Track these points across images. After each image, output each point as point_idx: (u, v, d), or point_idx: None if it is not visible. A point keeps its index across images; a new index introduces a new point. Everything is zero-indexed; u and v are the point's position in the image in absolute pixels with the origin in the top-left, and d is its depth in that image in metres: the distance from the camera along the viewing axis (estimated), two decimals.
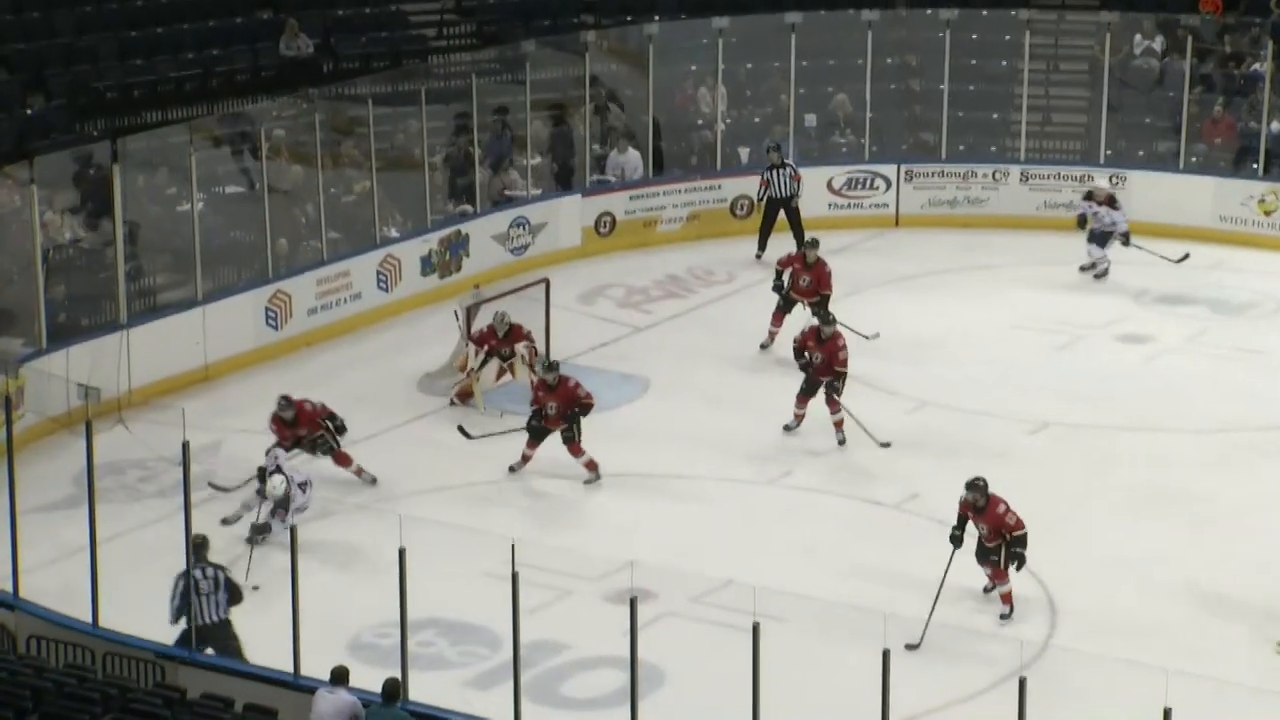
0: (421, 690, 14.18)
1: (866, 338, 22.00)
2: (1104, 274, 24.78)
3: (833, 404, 19.96)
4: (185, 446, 14.70)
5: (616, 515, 18.73)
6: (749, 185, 26.81)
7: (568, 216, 26.09)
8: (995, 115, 27.95)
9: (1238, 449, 19.93)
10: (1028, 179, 27.17)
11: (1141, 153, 27.48)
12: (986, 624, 16.36)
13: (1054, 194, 27.10)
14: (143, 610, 15.39)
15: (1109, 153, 27.22)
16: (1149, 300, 24.37)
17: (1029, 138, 27.55)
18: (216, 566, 15.24)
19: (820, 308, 21.49)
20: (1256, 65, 27.28)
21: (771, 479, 19.42)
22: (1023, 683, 12.10)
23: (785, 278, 22.31)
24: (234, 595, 15.23)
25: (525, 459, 19.43)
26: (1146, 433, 20.29)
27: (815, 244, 22.51)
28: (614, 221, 26.51)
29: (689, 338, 23.34)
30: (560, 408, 19.17)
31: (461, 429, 19.98)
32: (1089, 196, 24.99)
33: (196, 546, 15.04)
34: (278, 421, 18.80)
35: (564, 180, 26.59)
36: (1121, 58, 27.93)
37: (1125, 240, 24.59)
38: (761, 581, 16.73)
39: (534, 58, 26.00)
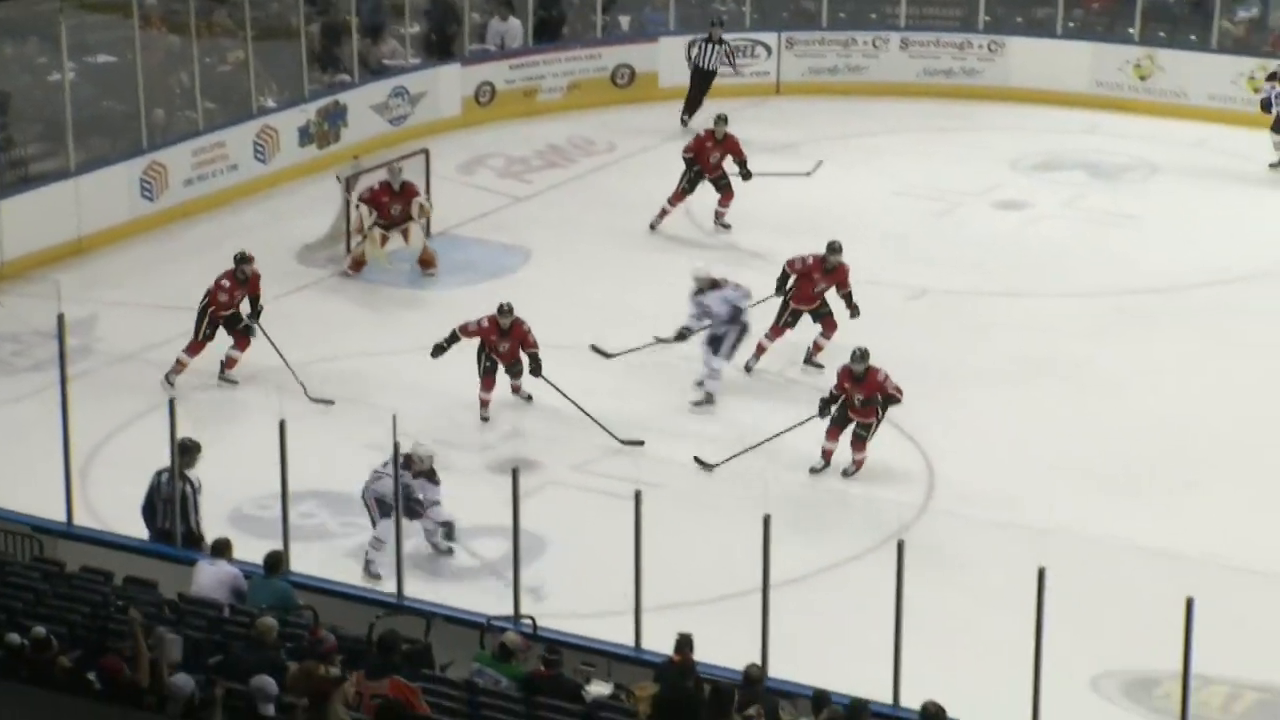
0: (304, 562, 14.14)
1: (807, 174, 21.87)
2: None
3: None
4: (60, 319, 14.50)
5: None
6: (629, 54, 26.70)
7: (447, 86, 25.83)
8: None
9: (1113, 314, 20.11)
10: (907, 46, 27.15)
11: (1020, 19, 27.50)
12: (865, 491, 16.45)
13: (933, 61, 27.11)
14: (18, 484, 15.22)
15: (987, 19, 27.22)
16: (1025, 167, 24.48)
17: (909, 4, 27.48)
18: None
19: (724, 181, 21.56)
20: None
21: (652, 347, 19.38)
22: (901, 545, 12.20)
23: (693, 157, 21.90)
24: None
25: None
26: (1024, 298, 20.44)
27: (725, 119, 22.24)
28: (494, 91, 26.28)
29: (570, 208, 23.24)
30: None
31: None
32: (1273, 78, 24.07)
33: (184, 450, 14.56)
34: None
35: (443, 49, 26.29)
36: None
37: None
38: (645, 451, 16.92)
39: None
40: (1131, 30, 26.65)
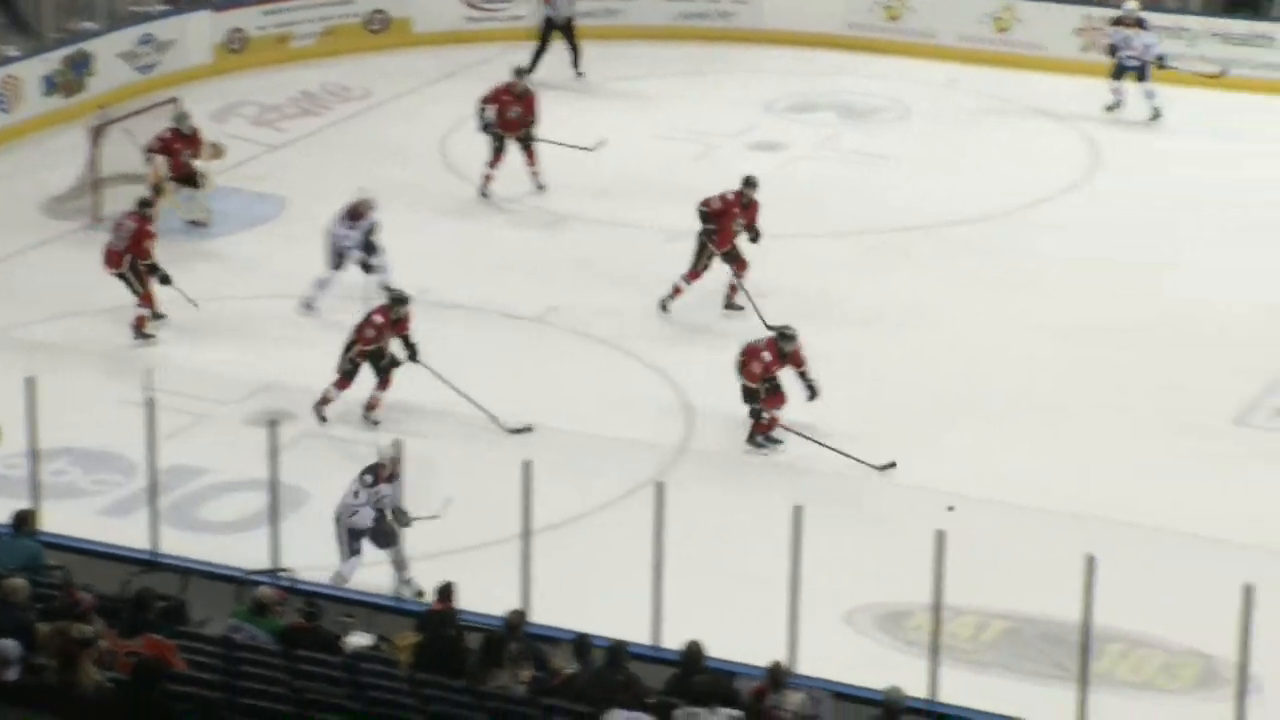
0: (55, 520, 13.90)
1: (589, 149, 21.82)
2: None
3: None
4: None
5: (258, 337, 18.46)
6: (383, 0, 26.45)
7: (197, 34, 25.39)
8: None
9: (872, 251, 20.40)
10: None
11: None
12: (625, 435, 16.50)
13: (688, 4, 27.18)
14: None
15: None
16: (780, 109, 24.67)
17: None
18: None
19: (527, 140, 21.30)
20: None
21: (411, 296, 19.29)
22: (660, 487, 12.29)
23: (491, 113, 21.41)
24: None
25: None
26: (783, 239, 20.56)
27: (523, 72, 21.96)
28: (246, 38, 25.88)
29: (325, 155, 23.00)
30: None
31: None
32: (1118, 22, 24.08)
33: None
34: None
35: None
36: None
37: (1159, 63, 23.75)
38: (404, 399, 16.83)
39: None
40: None
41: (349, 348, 16.61)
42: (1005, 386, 17.50)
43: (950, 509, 14.89)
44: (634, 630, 12.25)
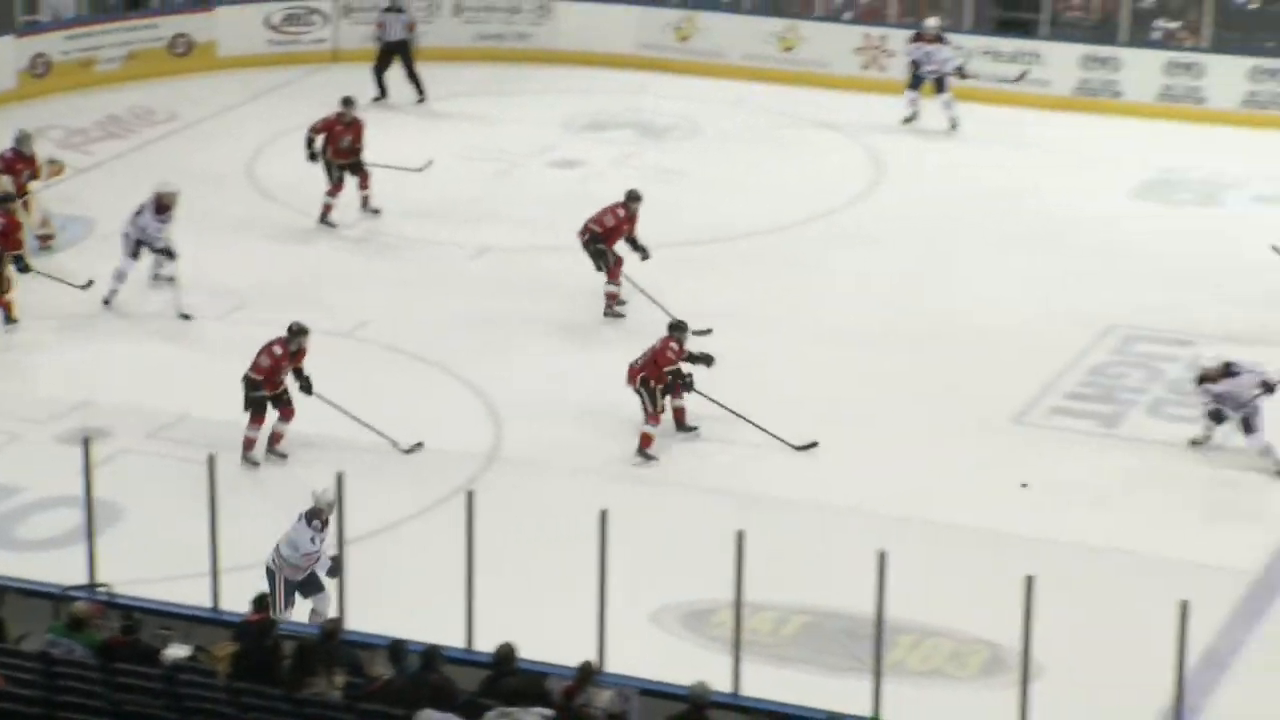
0: None
1: (419, 170, 21.70)
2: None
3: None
4: None
5: (69, 357, 18.20)
6: (186, 24, 26.21)
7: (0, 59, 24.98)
8: None
9: (666, 264, 20.48)
10: (460, 11, 27.18)
11: None
12: (435, 445, 16.48)
13: (485, 26, 27.21)
14: None
15: None
16: (577, 127, 24.75)
17: None
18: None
19: (358, 166, 21.17)
20: None
21: (220, 314, 19.14)
22: (470, 495, 12.30)
23: (320, 143, 21.10)
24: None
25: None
26: (583, 253, 20.66)
27: (352, 101, 21.58)
28: (50, 63, 25.47)
29: (132, 177, 22.65)
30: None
31: None
32: (917, 39, 24.34)
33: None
34: None
35: None
36: None
37: (960, 74, 24.17)
38: (216, 416, 16.67)
39: None
40: None
41: (252, 385, 16.16)
42: (801, 391, 17.68)
43: (1024, 485, 15.88)
44: (448, 635, 12.23)
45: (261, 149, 23.35)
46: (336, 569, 13.11)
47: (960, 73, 24.19)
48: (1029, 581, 11.18)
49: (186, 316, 18.88)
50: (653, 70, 26.49)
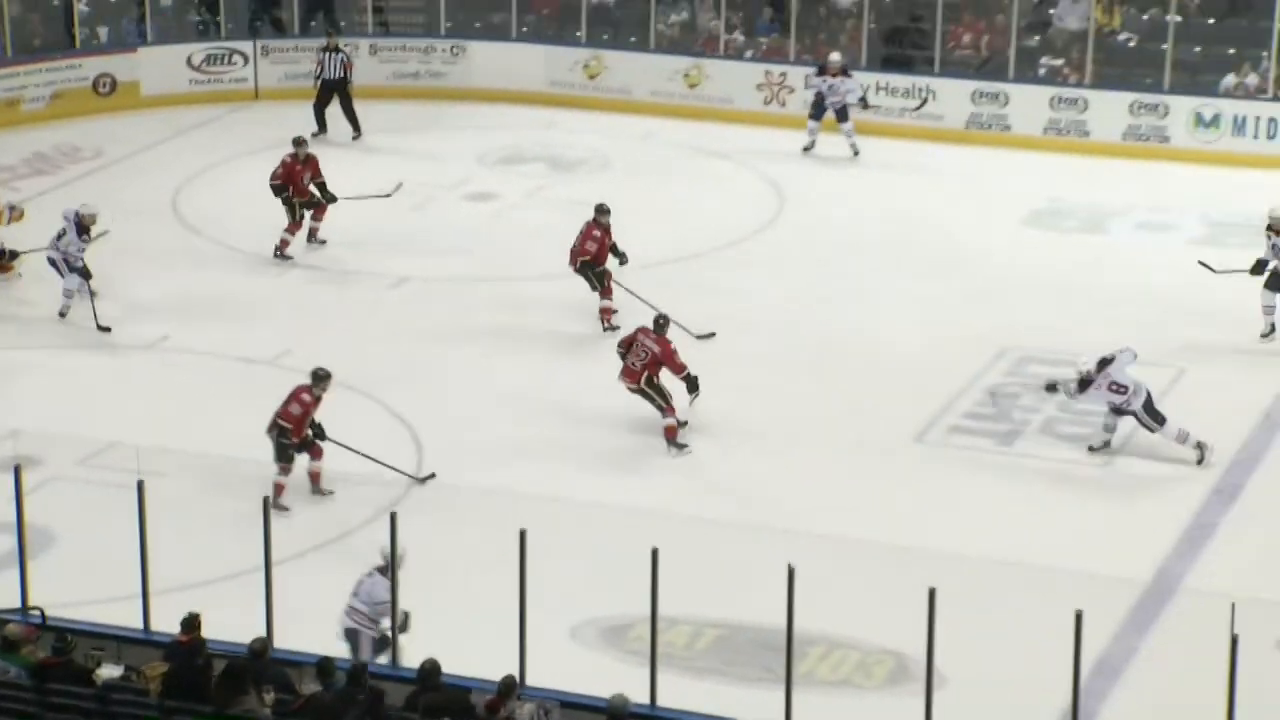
0: None
1: (388, 195, 21.66)
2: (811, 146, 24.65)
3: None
4: None
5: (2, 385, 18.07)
6: (110, 64, 26.07)
7: None
8: None
9: (579, 289, 20.55)
10: (376, 51, 27.14)
11: (478, 24, 27.76)
12: (361, 470, 16.41)
13: (401, 65, 27.18)
14: None
15: (449, 24, 27.42)
16: (491, 161, 24.75)
17: (374, 12, 27.54)
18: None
19: (311, 202, 21.13)
20: None
21: (147, 344, 19.02)
22: (393, 517, 12.26)
23: (282, 183, 21.13)
24: None
25: None
26: (500, 282, 20.68)
27: (304, 141, 21.51)
28: None
29: (59, 213, 22.42)
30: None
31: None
32: (821, 71, 24.51)
33: None
34: None
35: None
36: None
37: (863, 104, 24.48)
38: (145, 441, 16.52)
39: None
40: (579, 34, 27.20)
41: (282, 432, 15.87)
42: (710, 412, 17.71)
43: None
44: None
45: (186, 183, 23.21)
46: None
47: (863, 103, 24.41)
48: (931, 593, 11.24)
49: (106, 329, 18.80)
50: (564, 106, 26.53)
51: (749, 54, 26.87)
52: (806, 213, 23.03)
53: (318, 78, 25.28)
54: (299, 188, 21.20)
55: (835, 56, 24.81)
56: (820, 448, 17.14)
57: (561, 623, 13.92)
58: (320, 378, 16.14)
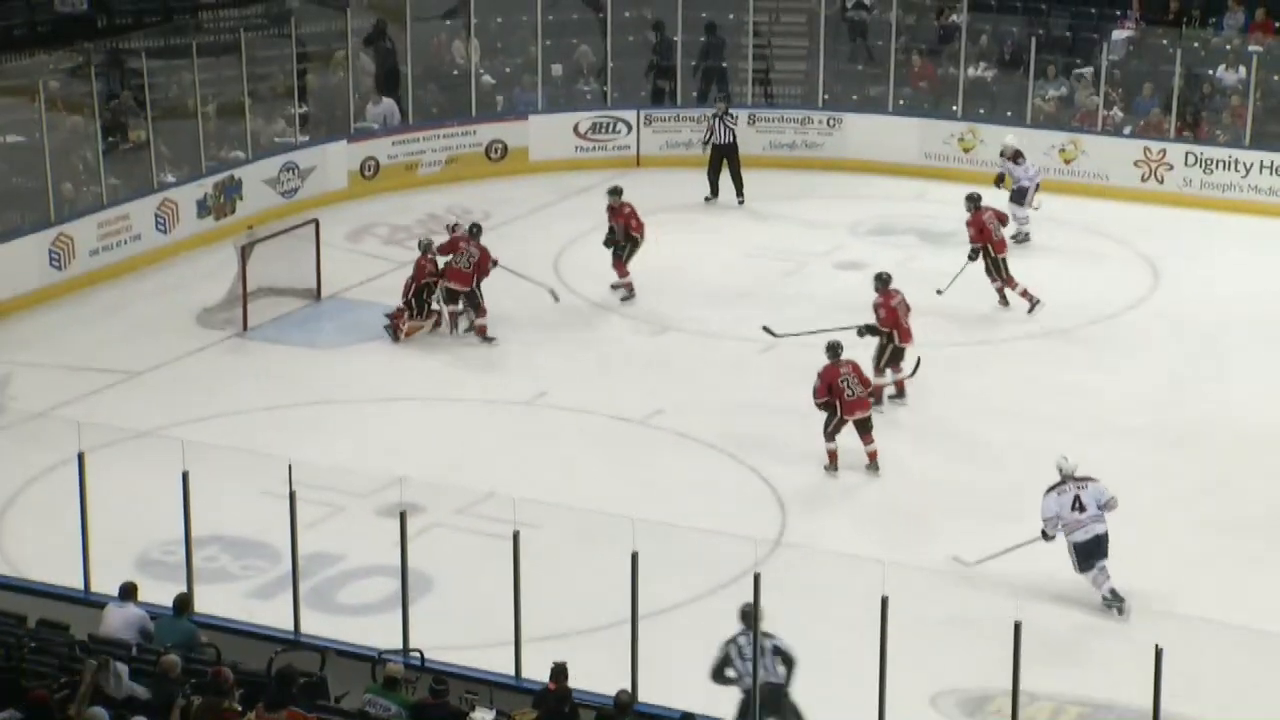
0: (207, 602, 13.96)
1: (554, 296, 21.84)
2: (1025, 237, 23.97)
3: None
4: None
5: (388, 434, 18.57)
6: (502, 130, 26.75)
7: (334, 161, 25.71)
8: (724, 64, 28.00)
9: (944, 361, 20.31)
10: (755, 121, 27.32)
11: (855, 97, 27.75)
12: (723, 525, 16.41)
13: (778, 135, 27.32)
14: None
15: (826, 97, 27.48)
16: (862, 231, 24.66)
17: (755, 84, 27.74)
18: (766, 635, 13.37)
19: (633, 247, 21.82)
20: (954, 17, 27.70)
21: (529, 400, 19.40)
22: (757, 578, 12.22)
23: (619, 229, 21.85)
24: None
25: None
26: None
27: (618, 191, 22.11)
28: (378, 165, 26.17)
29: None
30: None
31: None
32: (1017, 156, 24.03)
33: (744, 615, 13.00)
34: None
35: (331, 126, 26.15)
36: (835, 10, 28.14)
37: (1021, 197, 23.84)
38: (521, 493, 16.81)
39: (299, 12, 25.63)
40: (955, 107, 26.98)
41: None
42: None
43: None
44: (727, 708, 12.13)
45: (568, 244, 23.69)
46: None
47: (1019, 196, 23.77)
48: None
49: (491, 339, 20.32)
50: (935, 178, 26.30)
51: (1127, 130, 26.29)
52: (1174, 287, 22.43)
53: (706, 143, 25.59)
54: (627, 228, 21.82)
55: (1010, 140, 24.16)
56: (1188, 526, 16.56)
57: (922, 689, 13.68)
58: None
